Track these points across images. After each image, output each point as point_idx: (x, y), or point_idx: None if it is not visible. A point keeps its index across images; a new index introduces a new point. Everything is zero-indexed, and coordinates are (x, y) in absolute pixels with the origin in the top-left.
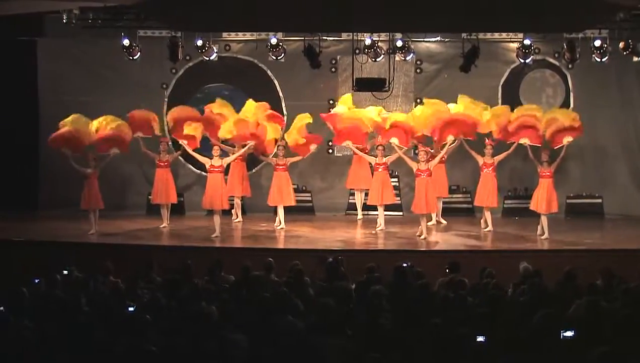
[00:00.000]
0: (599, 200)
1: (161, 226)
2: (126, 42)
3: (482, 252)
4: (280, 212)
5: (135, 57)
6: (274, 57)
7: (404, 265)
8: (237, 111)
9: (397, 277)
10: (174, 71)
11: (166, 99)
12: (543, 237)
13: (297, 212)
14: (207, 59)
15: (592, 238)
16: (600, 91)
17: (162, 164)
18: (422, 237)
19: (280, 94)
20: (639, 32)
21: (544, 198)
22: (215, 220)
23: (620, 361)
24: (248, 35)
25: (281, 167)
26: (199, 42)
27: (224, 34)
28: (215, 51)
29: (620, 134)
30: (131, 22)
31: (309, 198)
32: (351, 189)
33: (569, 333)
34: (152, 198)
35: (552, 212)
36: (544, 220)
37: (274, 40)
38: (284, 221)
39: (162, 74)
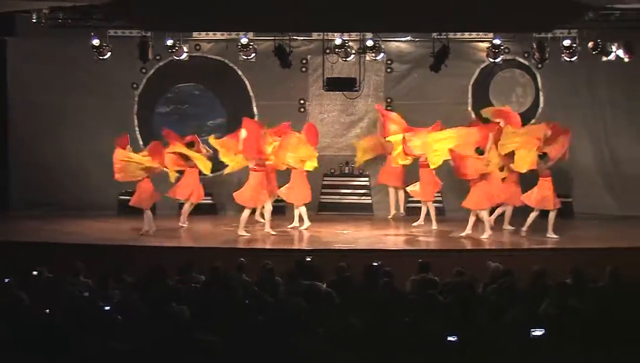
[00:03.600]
0: (569, 199)
1: (183, 225)
2: (96, 42)
3: (454, 251)
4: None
5: (105, 57)
6: (245, 57)
7: (375, 264)
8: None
9: (367, 277)
10: (144, 70)
11: (136, 99)
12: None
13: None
14: (177, 58)
15: (562, 238)
16: (569, 91)
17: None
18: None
19: (251, 93)
20: (608, 32)
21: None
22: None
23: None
24: (218, 35)
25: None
26: (169, 42)
27: (194, 34)
28: (186, 50)
29: (589, 134)
30: (101, 22)
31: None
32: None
33: (539, 332)
34: (180, 196)
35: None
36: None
37: (244, 40)
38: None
39: (132, 73)
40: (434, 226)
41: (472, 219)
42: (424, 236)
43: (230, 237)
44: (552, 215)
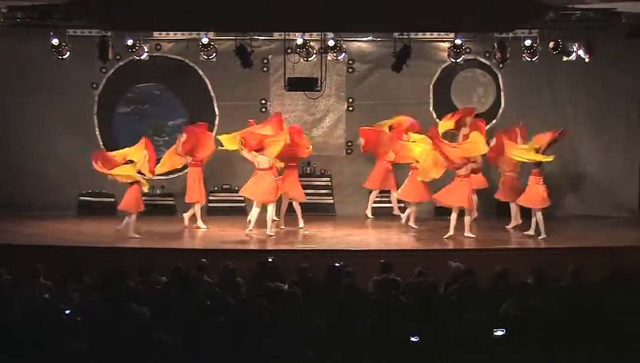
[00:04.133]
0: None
1: (201, 227)
2: (55, 41)
3: (416, 252)
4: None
5: (64, 57)
6: (206, 57)
7: (337, 265)
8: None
9: (329, 277)
10: (104, 70)
11: (96, 99)
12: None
13: (226, 213)
14: (138, 58)
15: (523, 238)
16: (530, 91)
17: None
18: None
19: (212, 93)
20: (569, 32)
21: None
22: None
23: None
24: (179, 35)
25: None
26: (129, 42)
27: (155, 34)
28: (146, 50)
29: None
30: (60, 22)
31: (241, 198)
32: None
33: (500, 333)
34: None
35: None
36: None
37: (205, 40)
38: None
39: (92, 73)
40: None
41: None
42: (387, 236)
43: (191, 238)
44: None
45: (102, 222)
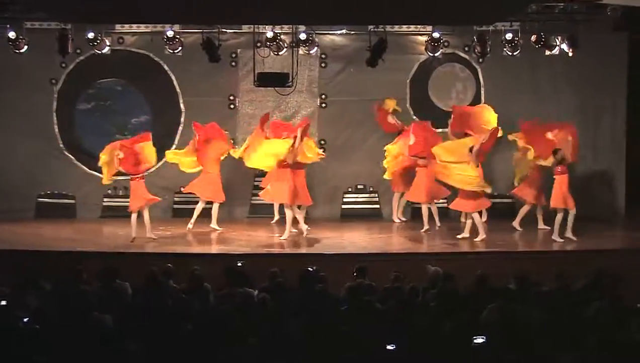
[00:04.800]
0: (511, 200)
1: (218, 228)
2: (12, 34)
3: (392, 255)
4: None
5: (22, 51)
6: (171, 51)
7: (309, 269)
8: None
9: (302, 283)
10: (63, 65)
11: (55, 95)
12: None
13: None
14: (99, 52)
15: (504, 240)
16: (511, 86)
17: None
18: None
19: (177, 89)
20: (551, 25)
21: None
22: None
23: None
24: (143, 28)
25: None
26: (90, 35)
27: (117, 26)
28: (108, 44)
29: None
30: (17, 14)
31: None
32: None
33: (481, 340)
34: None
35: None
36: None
37: (170, 33)
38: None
39: (51, 68)
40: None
41: (469, 221)
42: (362, 239)
43: (156, 241)
44: (566, 217)
45: (61, 225)
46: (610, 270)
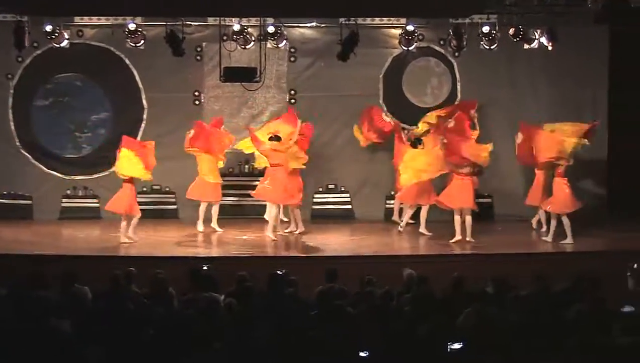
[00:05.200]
0: (489, 200)
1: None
2: None
3: (364, 258)
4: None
5: None
6: (133, 44)
7: (278, 273)
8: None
9: (270, 286)
10: (20, 59)
11: (11, 91)
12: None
13: (160, 216)
14: (58, 46)
15: (481, 242)
16: (489, 81)
17: None
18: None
19: (140, 85)
20: (530, 17)
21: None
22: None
23: None
24: (103, 20)
25: None
26: (48, 28)
27: (76, 19)
28: (67, 37)
29: (510, 127)
30: None
31: (174, 200)
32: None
33: (457, 345)
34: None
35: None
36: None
37: (132, 26)
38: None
39: (6, 63)
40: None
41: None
42: (334, 241)
43: (117, 244)
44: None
45: (19, 227)
46: (591, 272)
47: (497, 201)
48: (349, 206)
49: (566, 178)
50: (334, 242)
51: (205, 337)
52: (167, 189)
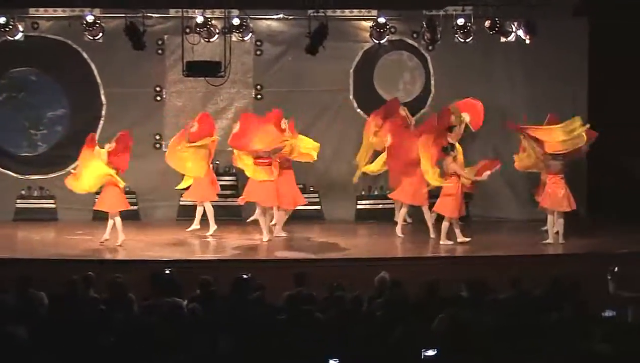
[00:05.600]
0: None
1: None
2: None
3: (335, 261)
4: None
5: None
6: (91, 37)
7: (245, 276)
8: None
9: (236, 291)
10: None
11: None
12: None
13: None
14: (11, 39)
15: (456, 244)
16: (464, 76)
17: None
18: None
19: (98, 80)
20: (507, 9)
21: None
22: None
23: None
24: (60, 12)
25: None
26: (1, 20)
27: (31, 10)
28: (21, 29)
29: (485, 123)
30: None
31: (134, 200)
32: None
33: (432, 352)
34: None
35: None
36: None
37: (90, 18)
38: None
39: None
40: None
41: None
42: (303, 243)
43: (74, 246)
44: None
45: None
46: (571, 276)
47: (472, 202)
48: (318, 207)
49: (562, 175)
50: (303, 244)
51: (168, 344)
52: (128, 189)
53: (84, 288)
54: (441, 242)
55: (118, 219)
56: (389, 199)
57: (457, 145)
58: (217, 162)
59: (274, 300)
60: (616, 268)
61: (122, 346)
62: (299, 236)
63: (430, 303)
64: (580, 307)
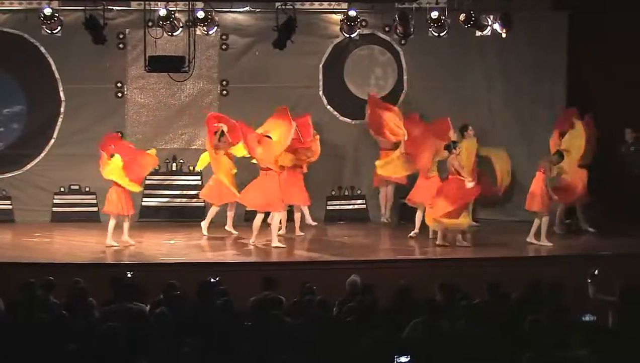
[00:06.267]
0: (363, 201)
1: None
2: None
3: (304, 264)
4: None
5: None
6: (48, 31)
7: (210, 280)
8: None
9: (201, 295)
10: None
11: None
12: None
13: (75, 219)
14: None
15: (429, 246)
16: (438, 71)
17: None
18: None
19: (57, 75)
20: (482, 2)
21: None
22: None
23: None
24: (16, 4)
25: None
26: None
27: None
28: None
29: (460, 120)
30: None
31: (94, 201)
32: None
33: (404, 359)
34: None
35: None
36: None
37: (47, 11)
38: None
39: None
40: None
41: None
42: (271, 245)
43: (34, 249)
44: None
45: None
46: (549, 278)
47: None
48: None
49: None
50: (271, 247)
51: (131, 350)
52: (87, 189)
53: (44, 293)
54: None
55: (112, 223)
56: (360, 200)
57: (462, 143)
58: (181, 161)
59: (242, 304)
60: (597, 271)
61: (83, 352)
62: (268, 238)
63: (403, 308)
64: (560, 312)
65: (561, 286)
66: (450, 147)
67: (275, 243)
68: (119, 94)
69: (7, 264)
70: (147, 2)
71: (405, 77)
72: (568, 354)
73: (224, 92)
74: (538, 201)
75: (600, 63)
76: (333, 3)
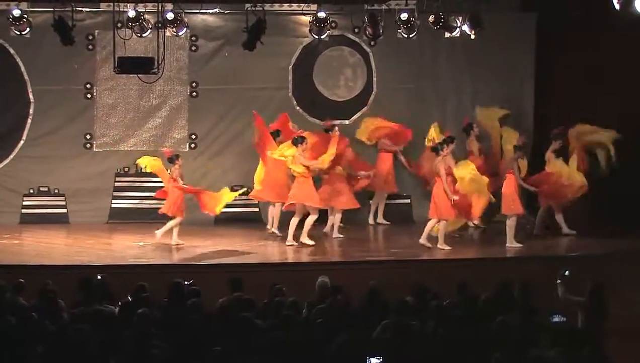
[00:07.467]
0: (407, 200)
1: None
2: None
3: (274, 265)
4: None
5: None
6: (17, 32)
7: (180, 282)
8: None
9: (171, 297)
10: None
11: None
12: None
13: (44, 221)
14: None
15: (400, 247)
16: (407, 73)
17: None
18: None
19: (25, 76)
20: (451, 4)
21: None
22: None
23: None
24: None
25: None
26: None
27: None
28: None
29: (430, 121)
30: None
31: (63, 202)
32: None
33: (375, 361)
34: None
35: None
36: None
37: (16, 12)
38: None
39: None
40: None
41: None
42: (239, 247)
43: (5, 251)
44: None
45: None
46: (518, 280)
47: (415, 202)
48: (256, 209)
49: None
50: (241, 248)
51: (100, 353)
52: (57, 191)
53: (12, 294)
54: (438, 245)
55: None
56: None
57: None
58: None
59: (211, 306)
60: (566, 272)
61: (52, 355)
62: (237, 240)
63: (373, 309)
64: (529, 313)
65: (531, 286)
66: (437, 149)
67: (306, 239)
68: (88, 96)
69: None
70: (116, 3)
71: (374, 79)
72: (538, 355)
73: (194, 93)
74: (508, 203)
75: (568, 63)
76: (302, 4)
